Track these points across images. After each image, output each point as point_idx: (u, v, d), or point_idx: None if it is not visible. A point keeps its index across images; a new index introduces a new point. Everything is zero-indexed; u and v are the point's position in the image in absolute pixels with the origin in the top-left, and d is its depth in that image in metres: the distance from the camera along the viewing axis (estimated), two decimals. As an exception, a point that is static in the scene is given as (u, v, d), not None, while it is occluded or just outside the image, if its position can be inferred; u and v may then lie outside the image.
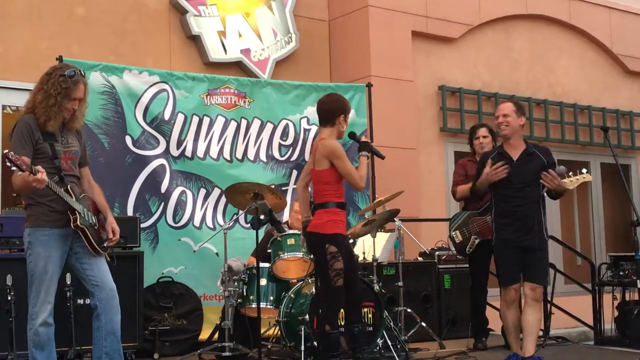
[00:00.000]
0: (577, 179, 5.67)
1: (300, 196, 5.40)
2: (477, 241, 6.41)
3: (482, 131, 6.68)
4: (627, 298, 7.24)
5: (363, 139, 5.20)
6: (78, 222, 4.25)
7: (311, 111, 7.55)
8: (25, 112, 4.35)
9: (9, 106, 7.62)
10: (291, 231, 6.02)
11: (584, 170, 5.76)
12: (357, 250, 6.36)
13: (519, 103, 5.83)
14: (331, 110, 4.99)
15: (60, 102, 4.27)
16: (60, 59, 6.51)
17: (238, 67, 8.60)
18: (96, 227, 4.44)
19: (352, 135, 5.31)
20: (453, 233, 6.62)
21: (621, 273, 7.14)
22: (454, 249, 6.88)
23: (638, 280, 6.56)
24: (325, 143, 4.88)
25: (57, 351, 5.33)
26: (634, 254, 6.63)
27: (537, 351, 5.57)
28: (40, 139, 4.27)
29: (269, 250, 6.01)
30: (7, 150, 3.98)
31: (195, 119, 7.09)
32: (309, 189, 5.28)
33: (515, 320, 5.47)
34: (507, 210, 5.49)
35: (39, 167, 4.02)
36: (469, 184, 6.08)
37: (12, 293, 5.32)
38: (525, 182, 5.42)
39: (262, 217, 5.53)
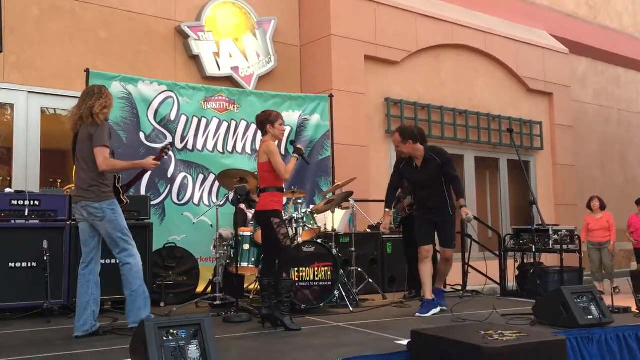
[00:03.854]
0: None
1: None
2: (399, 217, 6.53)
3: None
4: (525, 261, 7.36)
5: (298, 146, 5.12)
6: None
7: (286, 115, 7.44)
8: (103, 119, 4.44)
9: (46, 109, 7.48)
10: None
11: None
12: (320, 222, 6.34)
13: (403, 129, 5.63)
14: (261, 123, 5.03)
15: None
16: (87, 71, 6.40)
17: (229, 80, 8.53)
18: None
19: (292, 142, 5.51)
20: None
21: (521, 242, 7.24)
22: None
23: (533, 247, 6.63)
24: (265, 143, 4.92)
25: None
26: (530, 227, 6.71)
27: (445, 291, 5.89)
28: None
29: (251, 222, 5.97)
30: (170, 141, 4.91)
31: (195, 120, 7.01)
32: None
33: (428, 272, 5.50)
34: (421, 201, 5.65)
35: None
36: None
37: (48, 254, 5.25)
38: (428, 180, 5.53)
39: (239, 196, 5.50)
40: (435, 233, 5.62)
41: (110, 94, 4.59)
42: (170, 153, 6.82)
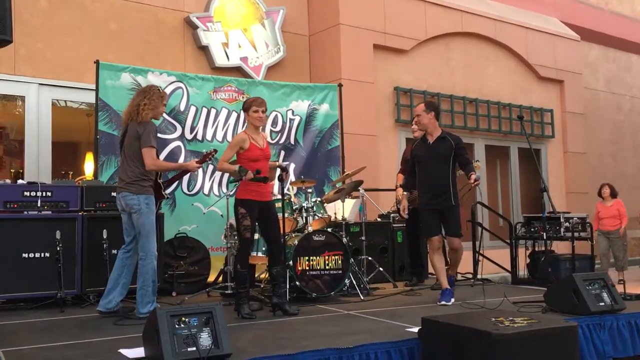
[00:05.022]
0: (475, 166, 5.67)
1: None
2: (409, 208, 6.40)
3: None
4: (536, 249, 7.32)
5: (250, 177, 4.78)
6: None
7: (295, 105, 7.52)
8: (148, 118, 4.68)
9: (57, 101, 7.52)
10: (278, 197, 5.98)
11: (477, 160, 5.79)
12: (330, 212, 6.34)
13: (429, 102, 5.90)
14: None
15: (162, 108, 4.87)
16: (97, 62, 6.42)
17: (238, 71, 8.52)
18: None
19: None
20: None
21: (532, 230, 7.20)
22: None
23: (544, 234, 6.60)
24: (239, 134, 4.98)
25: (95, 290, 5.36)
26: (541, 214, 6.67)
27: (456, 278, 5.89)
28: None
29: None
30: (214, 149, 5.35)
31: (204, 110, 7.02)
32: None
33: (442, 262, 5.46)
34: (424, 181, 5.52)
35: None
36: (401, 180, 6.24)
37: (61, 245, 5.29)
38: (438, 157, 5.43)
39: None
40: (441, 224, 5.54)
41: (157, 94, 4.74)
42: (180, 144, 6.85)
